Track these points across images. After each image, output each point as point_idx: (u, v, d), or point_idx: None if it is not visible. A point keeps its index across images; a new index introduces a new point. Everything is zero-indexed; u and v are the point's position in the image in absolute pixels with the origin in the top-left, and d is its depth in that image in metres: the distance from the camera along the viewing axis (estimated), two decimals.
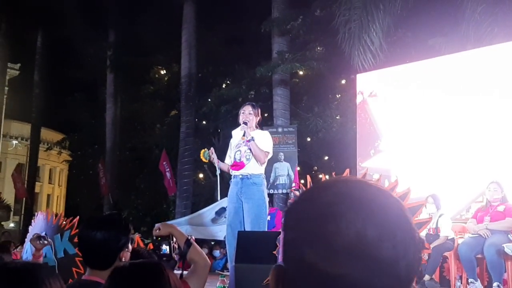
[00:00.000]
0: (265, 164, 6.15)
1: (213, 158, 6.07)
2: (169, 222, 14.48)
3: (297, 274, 0.84)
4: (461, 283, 7.13)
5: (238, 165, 6.05)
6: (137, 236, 10.06)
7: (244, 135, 5.94)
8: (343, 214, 0.81)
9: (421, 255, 0.86)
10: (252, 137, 5.88)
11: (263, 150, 5.92)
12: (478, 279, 6.89)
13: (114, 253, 2.48)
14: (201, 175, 23.75)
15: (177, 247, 2.69)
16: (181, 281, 2.33)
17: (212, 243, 15.84)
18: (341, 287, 0.79)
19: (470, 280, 6.89)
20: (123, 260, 2.51)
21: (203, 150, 6.24)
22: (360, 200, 0.84)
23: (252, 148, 5.87)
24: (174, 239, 2.68)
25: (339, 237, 0.80)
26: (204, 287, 2.74)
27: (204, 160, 6.34)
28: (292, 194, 10.69)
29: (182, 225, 12.35)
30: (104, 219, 2.60)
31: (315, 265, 0.81)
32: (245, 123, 5.96)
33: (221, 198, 10.47)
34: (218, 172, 6.40)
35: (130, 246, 2.60)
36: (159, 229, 2.79)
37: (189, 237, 2.69)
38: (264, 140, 6.05)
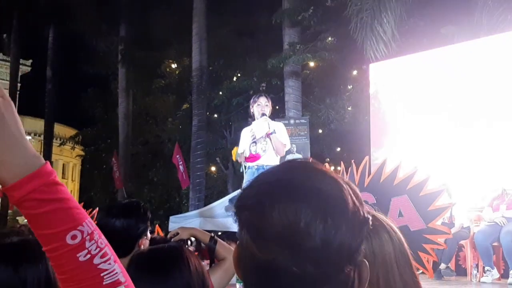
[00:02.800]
0: (282, 155, 6.15)
1: (243, 160, 6.05)
2: (181, 215, 14.51)
3: (241, 254, 0.91)
4: (478, 271, 7.09)
5: (254, 157, 6.04)
6: (157, 226, 10.10)
7: (269, 128, 5.90)
8: (277, 204, 0.85)
9: (359, 230, 0.87)
10: (274, 130, 5.87)
11: (282, 142, 5.92)
12: (495, 267, 6.86)
13: (133, 240, 2.49)
14: (213, 168, 23.80)
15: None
16: None
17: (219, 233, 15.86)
18: (271, 269, 0.84)
19: (486, 268, 6.86)
20: (142, 247, 2.52)
21: (235, 149, 6.27)
22: (296, 188, 0.87)
23: (273, 141, 5.86)
24: (189, 243, 2.62)
25: (270, 226, 0.84)
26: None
27: (234, 159, 6.40)
28: None
29: (194, 218, 12.39)
30: (123, 207, 2.60)
31: (249, 249, 0.87)
32: (264, 115, 5.93)
33: (233, 191, 10.50)
34: (242, 168, 6.39)
35: (149, 234, 2.61)
36: (177, 233, 2.72)
37: (213, 234, 2.65)
38: (282, 132, 6.05)
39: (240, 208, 0.90)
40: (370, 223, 0.91)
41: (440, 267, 7.27)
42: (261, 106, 5.97)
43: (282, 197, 0.85)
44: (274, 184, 0.88)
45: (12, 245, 1.62)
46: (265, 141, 5.91)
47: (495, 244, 6.89)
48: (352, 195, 0.89)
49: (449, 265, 7.39)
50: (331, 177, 0.90)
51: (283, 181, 0.88)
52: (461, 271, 7.71)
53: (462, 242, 7.46)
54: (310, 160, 0.96)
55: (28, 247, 1.63)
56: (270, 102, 6.06)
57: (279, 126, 6.10)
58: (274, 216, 0.83)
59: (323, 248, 0.83)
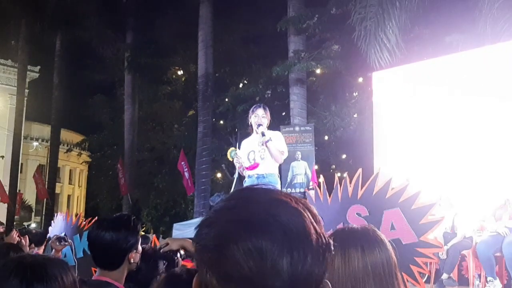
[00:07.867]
0: (280, 162, 6.17)
1: (237, 160, 6.05)
2: (185, 222, 14.48)
3: None
4: (480, 282, 7.06)
5: (252, 166, 6.06)
6: (153, 236, 10.11)
7: (263, 135, 5.91)
8: (240, 244, 0.83)
9: (323, 257, 0.87)
10: (270, 138, 5.89)
11: (279, 149, 5.94)
12: (497, 277, 6.81)
13: (123, 253, 2.51)
14: (219, 175, 23.81)
15: (181, 263, 2.64)
16: None
17: None
18: None
19: (488, 278, 6.81)
20: (132, 261, 2.53)
21: (231, 149, 6.24)
22: (258, 224, 0.84)
23: (271, 149, 5.87)
24: (178, 255, 2.61)
25: (236, 268, 0.82)
26: None
27: (229, 158, 6.36)
28: (306, 194, 10.64)
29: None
30: (113, 220, 2.61)
31: None
32: (260, 125, 5.96)
33: None
34: (235, 175, 6.38)
35: (139, 248, 2.61)
36: (167, 244, 2.72)
37: None
38: (279, 140, 6.07)
39: (201, 250, 0.88)
40: (332, 247, 0.90)
41: (442, 277, 7.24)
42: (258, 117, 6.00)
43: (245, 236, 0.83)
44: (235, 222, 0.86)
45: (27, 263, 1.66)
46: (263, 148, 5.93)
47: (498, 254, 6.85)
48: (313, 221, 0.89)
49: (451, 275, 7.35)
50: (292, 207, 0.89)
51: (244, 218, 0.86)
52: (463, 281, 7.66)
53: (464, 252, 7.43)
54: (270, 187, 0.95)
55: (42, 266, 1.66)
56: (268, 114, 6.08)
57: (276, 135, 6.12)
58: (239, 257, 0.82)
59: (291, 284, 0.82)
